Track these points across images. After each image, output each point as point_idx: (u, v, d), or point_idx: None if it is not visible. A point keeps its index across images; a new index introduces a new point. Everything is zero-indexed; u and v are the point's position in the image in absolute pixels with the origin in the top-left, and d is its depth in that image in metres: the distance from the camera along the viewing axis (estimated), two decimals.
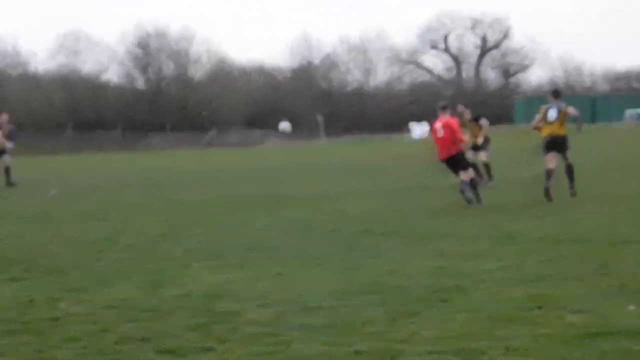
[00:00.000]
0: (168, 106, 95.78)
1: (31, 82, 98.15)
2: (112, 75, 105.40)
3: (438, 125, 20.74)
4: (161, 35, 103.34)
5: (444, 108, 20.95)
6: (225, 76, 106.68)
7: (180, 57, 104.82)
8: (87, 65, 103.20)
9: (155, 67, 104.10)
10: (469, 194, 20.02)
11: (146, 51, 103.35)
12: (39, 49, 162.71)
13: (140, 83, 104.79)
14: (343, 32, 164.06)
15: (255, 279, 11.49)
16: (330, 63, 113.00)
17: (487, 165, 25.65)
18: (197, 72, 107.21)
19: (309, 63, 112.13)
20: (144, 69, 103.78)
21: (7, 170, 31.84)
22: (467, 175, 20.32)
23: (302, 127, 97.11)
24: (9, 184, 31.59)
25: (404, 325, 8.61)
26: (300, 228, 17.07)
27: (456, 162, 20.59)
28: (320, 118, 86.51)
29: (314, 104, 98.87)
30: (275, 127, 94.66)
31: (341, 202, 22.11)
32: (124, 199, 25.44)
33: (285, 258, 13.22)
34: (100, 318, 9.38)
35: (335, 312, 9.27)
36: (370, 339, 8.09)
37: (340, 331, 8.46)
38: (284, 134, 35.59)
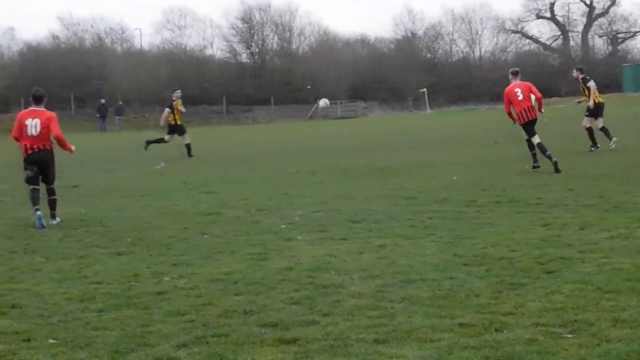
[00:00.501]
0: (272, 80, 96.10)
1: (137, 57, 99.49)
2: (216, 50, 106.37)
3: (517, 89, 21.72)
4: (264, 9, 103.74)
5: (516, 74, 22.12)
6: (328, 49, 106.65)
7: (284, 30, 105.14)
8: (192, 40, 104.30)
9: (258, 41, 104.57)
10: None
11: (249, 25, 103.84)
12: (144, 25, 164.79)
13: (244, 57, 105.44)
14: (446, 3, 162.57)
15: (359, 251, 11.44)
16: (434, 34, 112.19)
17: (590, 130, 25.47)
18: (301, 45, 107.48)
19: (413, 34, 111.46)
20: (247, 43, 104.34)
21: (187, 146, 32.45)
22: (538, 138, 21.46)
23: (407, 99, 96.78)
24: (190, 155, 32.33)
25: (508, 297, 8.47)
26: (406, 199, 16.95)
27: (532, 125, 21.71)
28: (424, 89, 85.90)
29: (418, 75, 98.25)
30: (378, 99, 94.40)
31: (447, 172, 21.92)
32: (230, 172, 25.58)
33: (390, 230, 13.15)
34: (205, 291, 9.42)
35: (439, 284, 9.16)
36: (474, 312, 7.98)
37: (444, 303, 8.36)
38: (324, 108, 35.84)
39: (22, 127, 16.00)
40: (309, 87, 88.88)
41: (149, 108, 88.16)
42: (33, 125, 15.95)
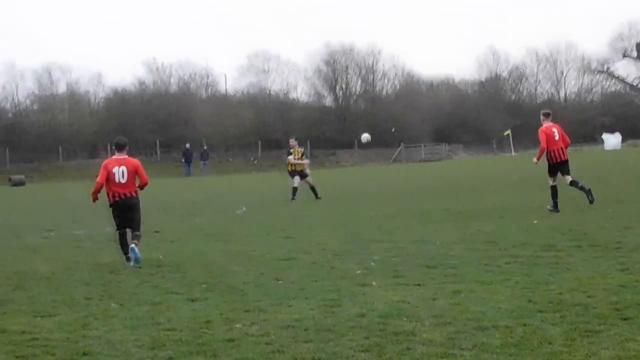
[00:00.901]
0: (355, 123, 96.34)
1: (221, 102, 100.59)
2: (300, 93, 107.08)
3: (554, 129, 23.24)
4: (348, 52, 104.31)
5: (548, 115, 23.62)
6: (412, 91, 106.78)
7: (367, 73, 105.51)
8: (276, 85, 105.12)
9: (342, 84, 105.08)
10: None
11: (333, 68, 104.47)
12: (229, 70, 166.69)
13: (328, 100, 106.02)
14: (530, 43, 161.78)
15: (433, 297, 11.33)
16: (518, 75, 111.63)
17: None
18: (384, 88, 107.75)
19: (497, 76, 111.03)
20: (331, 87, 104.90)
21: (313, 188, 32.97)
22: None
23: (491, 140, 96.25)
24: (317, 197, 32.85)
25: (582, 344, 8.31)
26: (484, 243, 16.77)
27: (566, 164, 23.22)
28: (509, 132, 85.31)
29: (503, 117, 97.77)
30: (462, 142, 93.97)
31: (528, 215, 21.65)
32: (309, 215, 25.62)
33: (465, 275, 13.02)
34: (275, 339, 9.40)
35: (512, 331, 9.03)
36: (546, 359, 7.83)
37: (515, 351, 8.23)
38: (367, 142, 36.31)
39: (110, 175, 16.58)
40: (392, 129, 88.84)
41: (232, 152, 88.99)
42: (120, 173, 16.59)
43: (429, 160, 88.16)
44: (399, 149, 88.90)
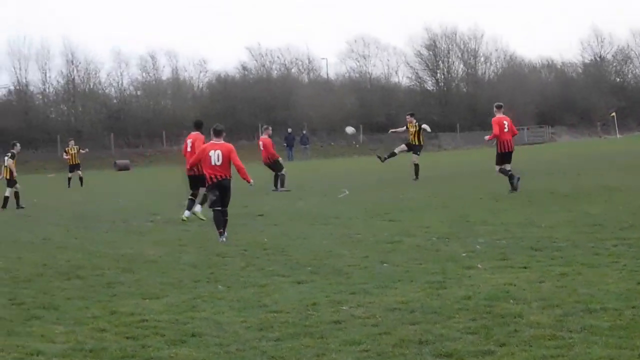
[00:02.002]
0: (457, 107, 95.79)
1: (322, 87, 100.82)
2: (402, 77, 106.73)
3: (505, 122, 26.13)
4: (450, 36, 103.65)
5: (500, 107, 26.56)
6: (514, 74, 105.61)
7: (469, 57, 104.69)
8: (377, 69, 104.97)
9: (444, 68, 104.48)
10: None
11: (435, 52, 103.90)
12: (330, 55, 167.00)
13: (429, 84, 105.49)
14: (635, 25, 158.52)
15: (539, 280, 11.23)
16: (623, 57, 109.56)
17: None
18: (487, 71, 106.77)
19: (601, 58, 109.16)
20: (432, 71, 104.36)
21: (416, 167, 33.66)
22: None
23: (595, 123, 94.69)
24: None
25: None
26: (590, 226, 16.52)
27: (509, 156, 25.91)
28: (614, 113, 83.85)
29: (607, 99, 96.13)
30: (566, 124, 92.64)
31: (636, 197, 21.27)
32: (412, 198, 25.52)
33: (572, 258, 12.85)
34: (381, 320, 9.42)
35: (621, 314, 8.90)
36: None
37: (625, 334, 8.12)
38: (352, 135, 36.28)
39: (205, 157, 18.02)
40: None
41: (334, 137, 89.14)
42: (216, 156, 17.93)
43: (532, 142, 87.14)
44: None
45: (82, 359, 8.39)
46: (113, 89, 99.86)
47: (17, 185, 31.59)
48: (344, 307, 10.20)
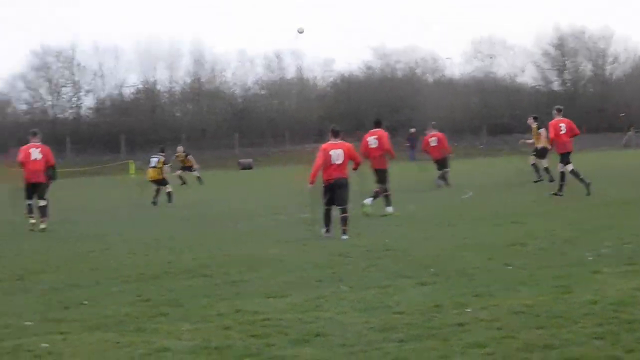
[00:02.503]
0: (584, 108, 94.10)
1: (447, 87, 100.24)
2: (527, 77, 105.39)
3: (562, 124, 26.48)
4: (578, 35, 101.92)
5: (560, 110, 26.85)
6: None
7: (598, 57, 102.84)
8: (502, 69, 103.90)
9: (571, 68, 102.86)
10: None
11: (562, 52, 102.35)
12: (455, 55, 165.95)
13: (555, 85, 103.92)
14: None
15: None
16: None
17: None
18: (614, 72, 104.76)
19: None
20: (559, 70, 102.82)
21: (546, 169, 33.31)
22: None
23: None
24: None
25: None
26: None
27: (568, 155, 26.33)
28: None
29: None
30: None
31: None
32: (537, 200, 25.17)
33: None
34: (506, 324, 9.32)
35: None
36: None
37: None
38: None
39: (327, 157, 18.60)
40: (622, 114, 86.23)
41: (457, 137, 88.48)
42: (337, 156, 18.65)
43: None
44: (627, 134, 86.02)
45: (207, 356, 8.51)
46: (238, 88, 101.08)
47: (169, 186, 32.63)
48: (468, 310, 10.12)
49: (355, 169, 19.64)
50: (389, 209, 23.16)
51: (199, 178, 46.18)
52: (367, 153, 23.32)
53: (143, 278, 13.83)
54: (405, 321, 9.66)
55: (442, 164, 34.13)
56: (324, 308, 10.64)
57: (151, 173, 33.01)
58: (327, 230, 18.67)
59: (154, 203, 31.65)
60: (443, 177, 33.78)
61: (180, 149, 48.52)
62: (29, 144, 24.35)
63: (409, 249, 15.89)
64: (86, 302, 11.72)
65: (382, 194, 23.36)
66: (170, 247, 18.01)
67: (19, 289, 13.38)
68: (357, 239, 17.75)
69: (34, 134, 24.66)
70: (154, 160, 33.32)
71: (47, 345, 9.21)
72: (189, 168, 46.84)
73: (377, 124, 24.61)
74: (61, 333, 9.80)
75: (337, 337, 9.06)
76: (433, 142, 34.53)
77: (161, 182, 32.79)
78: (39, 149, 24.25)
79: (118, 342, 9.21)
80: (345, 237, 18.15)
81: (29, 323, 10.45)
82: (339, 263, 14.57)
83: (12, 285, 13.82)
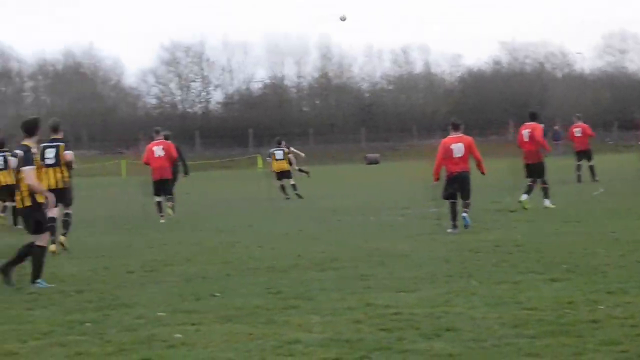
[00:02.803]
0: None
1: (577, 82, 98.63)
2: None
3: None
4: None
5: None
6: None
7: None
8: (633, 64, 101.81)
9: None
10: None
11: None
12: (585, 50, 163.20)
13: None
14: None
15: None
16: None
17: None
18: None
19: None
20: None
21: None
22: None
23: None
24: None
25: None
26: None
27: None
28: None
29: None
30: None
31: None
32: None
33: None
34: None
35: None
36: None
37: None
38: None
39: (447, 151, 18.76)
40: None
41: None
42: (458, 149, 18.79)
43: None
44: None
45: (338, 349, 8.53)
46: (365, 83, 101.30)
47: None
48: (601, 307, 9.94)
49: (478, 167, 19.50)
50: (547, 202, 22.79)
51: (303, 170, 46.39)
52: (522, 147, 22.98)
53: (273, 271, 13.96)
54: (537, 317, 9.53)
55: (585, 155, 33.83)
56: (454, 303, 10.57)
57: (280, 165, 33.34)
58: (454, 226, 18.55)
59: (288, 198, 31.89)
60: (592, 172, 33.46)
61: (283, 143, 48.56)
62: (152, 143, 25.14)
63: (540, 244, 15.68)
64: (217, 294, 11.88)
65: (542, 186, 22.94)
66: (299, 240, 18.15)
67: (150, 280, 13.63)
68: (486, 234, 17.62)
69: (157, 132, 25.45)
70: (279, 153, 33.71)
71: (180, 335, 9.36)
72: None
73: (533, 117, 23.82)
74: (193, 324, 9.94)
75: (468, 332, 8.99)
76: (577, 132, 34.37)
77: (288, 174, 33.16)
78: (162, 146, 25.03)
79: (250, 334, 9.30)
80: (464, 214, 18.71)
81: (162, 314, 10.63)
82: (468, 258, 14.47)
83: (143, 276, 14.08)
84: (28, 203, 13.28)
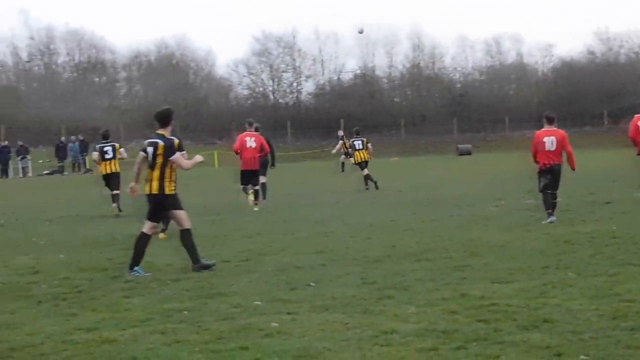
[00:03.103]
0: None
1: None
2: None
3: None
4: None
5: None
6: None
7: None
8: None
9: None
10: None
11: None
12: None
13: None
14: None
15: None
16: None
17: None
18: None
19: None
20: None
21: None
22: None
23: None
24: None
25: None
26: None
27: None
28: None
29: None
30: None
31: None
32: None
33: None
34: None
35: None
36: None
37: None
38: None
39: (539, 144, 18.82)
40: None
41: None
42: (550, 142, 18.70)
43: None
44: None
45: (434, 339, 8.52)
46: (457, 74, 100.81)
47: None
48: None
49: (569, 161, 19.26)
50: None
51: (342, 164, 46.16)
52: (634, 139, 22.02)
53: (367, 261, 13.98)
54: (636, 309, 9.40)
55: None
56: (551, 294, 10.47)
57: (362, 155, 33.39)
58: (550, 214, 18.54)
59: (368, 188, 31.95)
60: None
61: (340, 133, 48.45)
62: (244, 133, 25.76)
63: (637, 236, 15.42)
64: (312, 284, 11.94)
65: None
66: (392, 231, 18.15)
67: (245, 269, 13.75)
68: (582, 226, 17.42)
69: (250, 124, 25.97)
70: (358, 143, 33.81)
71: (276, 324, 9.43)
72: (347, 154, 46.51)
73: None
74: (289, 313, 10.02)
75: (566, 323, 8.91)
76: None
77: (367, 164, 33.24)
78: (253, 138, 25.80)
79: (346, 323, 9.34)
80: (553, 218, 18.48)
81: (258, 303, 10.72)
82: (564, 250, 14.31)
83: (238, 266, 14.22)
84: (170, 190, 13.66)
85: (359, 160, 33.37)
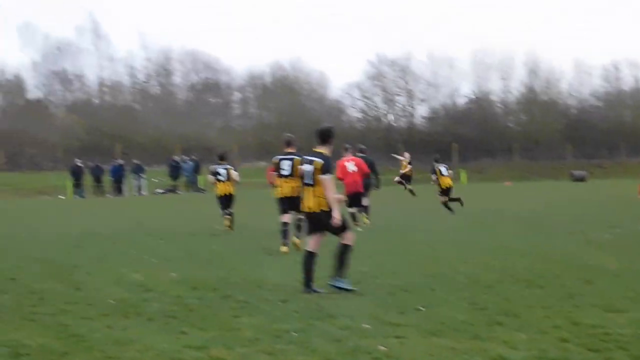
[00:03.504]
0: None
1: None
2: None
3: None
4: None
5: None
6: None
7: None
8: None
9: None
10: None
11: None
12: None
13: None
14: None
15: None
16: None
17: None
18: None
19: None
20: None
21: None
22: None
23: None
24: None
25: None
26: None
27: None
28: None
29: None
30: None
31: None
32: None
33: None
34: None
35: None
36: None
37: None
38: None
39: None
40: None
41: None
42: None
43: None
44: None
45: None
46: (573, 99, 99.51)
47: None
48: None
49: None
50: None
51: (411, 191, 45.26)
52: None
53: (477, 286, 13.83)
54: None
55: None
56: None
57: (446, 180, 33.27)
58: None
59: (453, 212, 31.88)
60: None
61: (407, 155, 47.31)
62: (343, 159, 26.18)
63: None
64: (422, 308, 11.86)
65: None
66: (503, 255, 17.92)
67: (356, 292, 13.72)
68: None
69: (345, 149, 26.35)
70: (444, 169, 33.68)
71: (385, 348, 9.39)
72: (408, 178, 45.61)
73: None
74: (397, 337, 9.97)
75: None
76: None
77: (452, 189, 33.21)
78: (353, 162, 26.22)
79: (454, 348, 9.26)
80: None
81: (367, 326, 10.69)
82: None
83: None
84: (325, 207, 13.71)
85: (446, 187, 33.20)
